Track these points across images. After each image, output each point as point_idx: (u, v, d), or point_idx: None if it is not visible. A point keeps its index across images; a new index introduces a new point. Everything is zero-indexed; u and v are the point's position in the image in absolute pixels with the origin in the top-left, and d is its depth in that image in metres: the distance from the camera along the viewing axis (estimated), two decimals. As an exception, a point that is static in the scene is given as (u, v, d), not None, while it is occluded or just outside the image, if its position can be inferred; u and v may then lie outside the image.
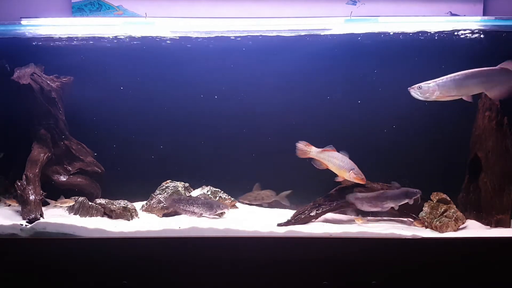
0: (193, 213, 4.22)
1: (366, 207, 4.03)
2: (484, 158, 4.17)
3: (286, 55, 4.67)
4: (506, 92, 3.92)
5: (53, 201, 4.23)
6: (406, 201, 3.98)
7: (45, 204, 4.27)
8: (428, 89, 3.93)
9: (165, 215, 4.39)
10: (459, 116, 4.54)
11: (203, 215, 4.20)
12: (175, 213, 4.42)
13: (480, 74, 3.93)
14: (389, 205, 3.99)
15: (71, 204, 4.22)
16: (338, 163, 4.03)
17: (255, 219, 4.27)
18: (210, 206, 4.23)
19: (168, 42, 4.65)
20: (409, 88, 3.95)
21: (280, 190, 4.72)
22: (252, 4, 4.51)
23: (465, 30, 4.48)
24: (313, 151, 4.18)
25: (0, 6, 4.51)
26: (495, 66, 4.45)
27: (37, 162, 4.28)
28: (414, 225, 4.14)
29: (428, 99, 3.95)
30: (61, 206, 4.24)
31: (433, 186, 4.30)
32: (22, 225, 3.81)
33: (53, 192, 4.42)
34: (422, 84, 3.95)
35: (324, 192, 4.32)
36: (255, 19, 4.36)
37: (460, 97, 3.95)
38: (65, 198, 4.28)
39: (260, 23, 4.39)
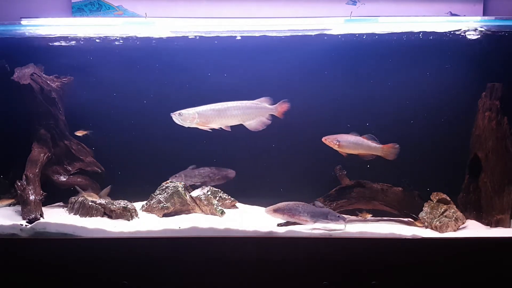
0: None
1: (287, 217, 4.00)
2: (484, 158, 4.17)
3: (286, 55, 4.68)
4: (261, 125, 4.23)
5: (82, 190, 4.24)
6: (327, 221, 3.89)
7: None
8: (188, 116, 4.13)
9: (165, 215, 4.38)
10: (459, 116, 4.55)
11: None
12: (175, 213, 4.43)
13: (237, 107, 4.19)
14: (306, 219, 3.92)
15: (96, 199, 4.23)
16: None
17: (255, 219, 4.26)
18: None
19: (168, 42, 4.65)
20: (171, 113, 4.12)
21: (280, 189, 4.73)
22: (252, 4, 4.52)
23: (465, 30, 4.48)
24: None
25: (0, 6, 4.51)
26: (495, 67, 4.48)
27: (37, 162, 4.28)
28: (415, 225, 4.15)
29: (191, 126, 4.14)
30: (86, 199, 4.22)
31: (433, 186, 4.30)
32: (22, 225, 3.81)
33: (53, 192, 4.44)
34: (183, 111, 4.13)
35: (324, 192, 4.32)
36: (255, 19, 4.36)
37: (220, 127, 4.19)
38: (71, 197, 4.30)
39: (260, 23, 4.39)
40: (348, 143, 4.18)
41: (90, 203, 4.23)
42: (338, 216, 3.88)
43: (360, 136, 4.21)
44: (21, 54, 4.55)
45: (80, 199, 4.26)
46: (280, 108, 4.30)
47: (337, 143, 4.16)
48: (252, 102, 4.27)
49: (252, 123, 4.25)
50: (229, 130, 4.21)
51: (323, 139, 4.25)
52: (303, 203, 4.06)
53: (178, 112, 4.15)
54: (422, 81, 4.62)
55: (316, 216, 3.89)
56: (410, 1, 4.54)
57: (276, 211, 4.02)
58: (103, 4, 4.50)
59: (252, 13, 4.48)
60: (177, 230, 3.85)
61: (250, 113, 4.24)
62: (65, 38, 4.60)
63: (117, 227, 3.89)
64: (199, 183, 4.60)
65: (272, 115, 4.31)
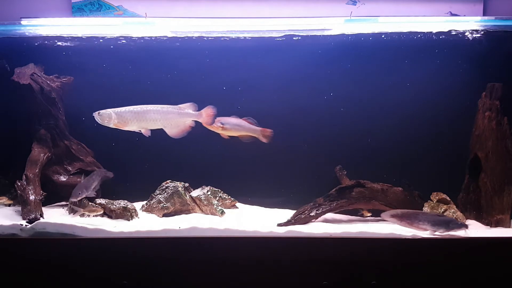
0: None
1: (404, 224, 3.90)
2: (484, 158, 4.17)
3: (285, 55, 4.68)
4: (182, 132, 4.18)
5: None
6: (446, 230, 3.77)
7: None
8: (106, 116, 4.09)
9: (165, 215, 4.39)
10: (459, 116, 4.55)
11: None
12: (175, 213, 4.43)
13: (157, 111, 4.12)
14: (426, 227, 3.82)
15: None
16: None
17: (255, 219, 4.27)
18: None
19: (168, 42, 4.65)
20: (93, 113, 4.09)
21: (278, 190, 4.72)
22: (252, 4, 4.52)
23: (465, 30, 4.48)
24: None
25: (0, 6, 4.51)
26: (495, 67, 4.48)
27: (37, 162, 4.28)
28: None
29: (109, 126, 4.10)
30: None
31: (433, 186, 4.30)
32: (22, 225, 3.81)
33: (53, 192, 4.43)
34: (102, 110, 4.09)
35: (324, 192, 4.32)
36: (255, 19, 4.36)
37: (140, 129, 4.13)
38: (90, 205, 4.27)
39: (260, 23, 4.39)
40: (231, 125, 4.21)
41: (90, 203, 4.23)
42: (460, 224, 3.79)
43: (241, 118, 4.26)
44: (21, 54, 4.55)
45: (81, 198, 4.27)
46: (205, 115, 4.19)
47: (221, 126, 4.16)
48: (174, 107, 4.18)
49: (173, 129, 4.16)
50: (149, 134, 4.12)
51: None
52: (422, 211, 4.02)
53: (98, 112, 4.11)
54: (422, 81, 4.62)
55: (438, 225, 3.80)
56: (410, 1, 4.54)
57: (393, 216, 3.93)
58: (103, 4, 4.50)
59: (252, 13, 4.48)
60: (177, 230, 3.85)
61: (171, 118, 4.14)
62: (65, 38, 4.60)
63: (117, 227, 3.89)
64: (95, 194, 4.32)
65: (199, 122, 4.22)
